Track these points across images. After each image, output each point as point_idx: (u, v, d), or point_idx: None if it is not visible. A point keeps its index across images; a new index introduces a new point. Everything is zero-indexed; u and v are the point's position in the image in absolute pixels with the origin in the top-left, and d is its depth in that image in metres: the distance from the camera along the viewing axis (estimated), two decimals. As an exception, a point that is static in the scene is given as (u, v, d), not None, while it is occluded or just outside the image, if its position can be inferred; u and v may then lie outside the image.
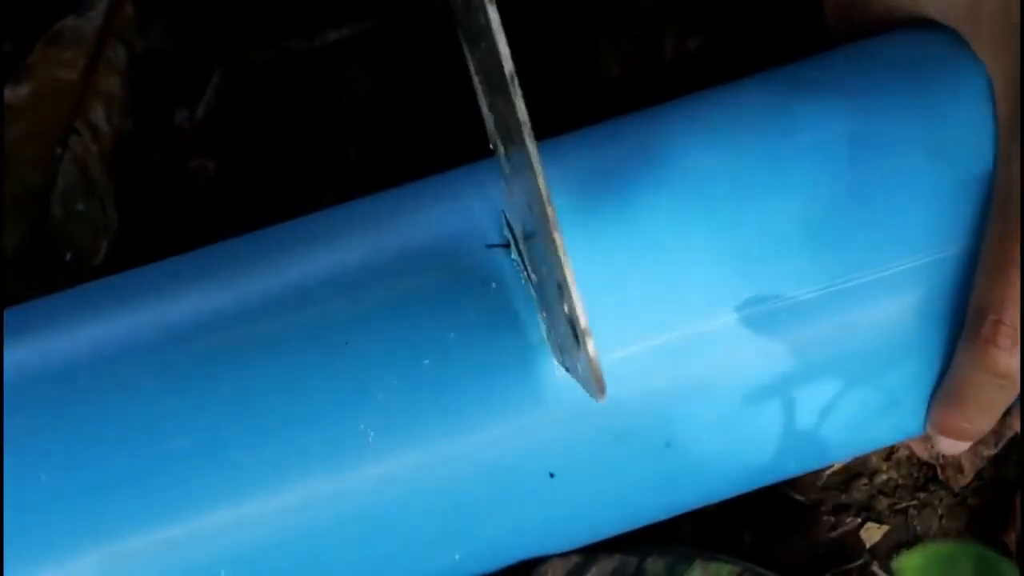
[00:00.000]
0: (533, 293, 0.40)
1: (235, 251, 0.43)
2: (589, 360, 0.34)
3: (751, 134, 0.41)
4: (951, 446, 0.44)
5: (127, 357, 0.40)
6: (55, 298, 0.43)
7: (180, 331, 0.40)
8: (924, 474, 0.50)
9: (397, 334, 0.40)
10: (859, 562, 0.48)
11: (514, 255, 0.40)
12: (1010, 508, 0.49)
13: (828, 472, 0.49)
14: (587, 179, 0.41)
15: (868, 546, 0.49)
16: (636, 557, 0.44)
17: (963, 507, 0.49)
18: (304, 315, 0.40)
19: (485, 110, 0.38)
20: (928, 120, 0.41)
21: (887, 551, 0.49)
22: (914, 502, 0.49)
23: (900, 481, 0.49)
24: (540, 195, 0.34)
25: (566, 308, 0.35)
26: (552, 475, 0.41)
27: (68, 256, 0.50)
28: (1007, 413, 0.43)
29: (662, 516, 0.44)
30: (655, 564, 0.44)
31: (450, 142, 0.46)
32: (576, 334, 0.35)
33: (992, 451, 0.49)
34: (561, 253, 0.34)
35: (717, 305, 0.40)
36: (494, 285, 0.40)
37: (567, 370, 0.39)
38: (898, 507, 0.49)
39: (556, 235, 0.34)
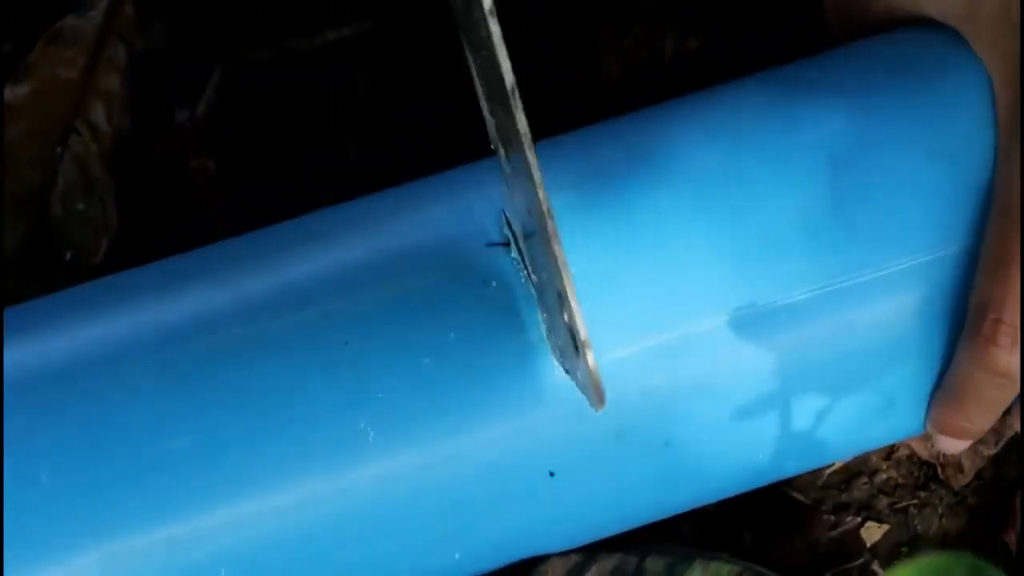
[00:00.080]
0: (533, 292, 0.40)
1: (235, 251, 0.43)
2: (588, 371, 0.34)
3: (751, 134, 0.41)
4: (951, 445, 0.44)
5: (127, 357, 0.40)
6: (55, 298, 0.43)
7: (180, 331, 0.40)
8: (924, 473, 0.50)
9: (397, 334, 0.40)
10: (859, 561, 0.48)
11: (514, 253, 0.40)
12: (1010, 508, 0.49)
13: (828, 471, 0.49)
14: (586, 179, 0.41)
15: (868, 545, 0.49)
16: (636, 556, 0.44)
17: (963, 506, 0.49)
18: (304, 315, 0.40)
19: (486, 113, 0.38)
20: (928, 120, 0.41)
21: (887, 550, 0.49)
22: (914, 501, 0.49)
23: (900, 480, 0.49)
24: (540, 207, 0.33)
25: (566, 318, 0.35)
26: (552, 474, 0.41)
27: (68, 255, 0.50)
28: (1007, 412, 0.43)
29: (662, 515, 0.44)
30: (655, 564, 0.44)
31: (450, 142, 0.46)
32: (576, 344, 0.35)
33: (992, 450, 0.49)
34: (561, 265, 0.34)
35: (717, 305, 0.40)
36: (494, 284, 0.40)
37: (566, 372, 0.39)
38: (898, 506, 0.49)
39: (556, 248, 0.34)
